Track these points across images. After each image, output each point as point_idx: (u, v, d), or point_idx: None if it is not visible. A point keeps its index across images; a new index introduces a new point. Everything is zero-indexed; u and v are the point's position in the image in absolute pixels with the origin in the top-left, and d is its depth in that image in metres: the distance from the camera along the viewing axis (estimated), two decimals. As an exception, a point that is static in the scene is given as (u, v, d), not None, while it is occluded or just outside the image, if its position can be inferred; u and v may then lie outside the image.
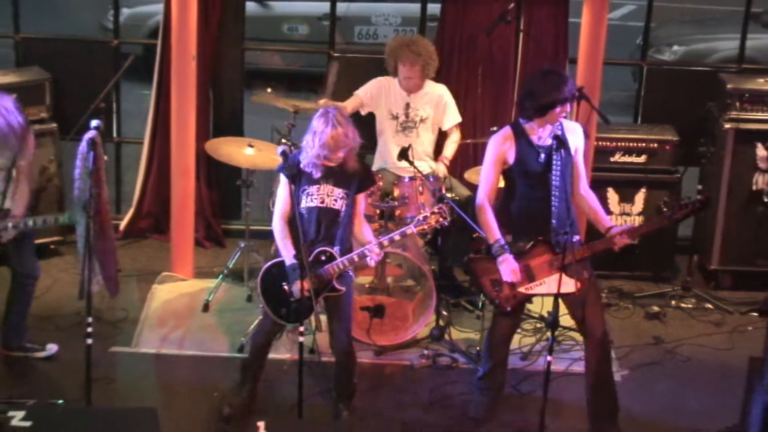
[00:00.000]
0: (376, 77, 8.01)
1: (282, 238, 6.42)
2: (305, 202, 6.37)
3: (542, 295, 6.59)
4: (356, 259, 6.34)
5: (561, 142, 6.34)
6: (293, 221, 6.32)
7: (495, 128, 7.69)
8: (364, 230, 6.51)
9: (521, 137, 6.45)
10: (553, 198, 6.38)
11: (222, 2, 8.38)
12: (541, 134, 6.42)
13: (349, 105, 7.91)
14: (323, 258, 6.32)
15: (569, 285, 6.35)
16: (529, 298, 6.66)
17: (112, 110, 8.86)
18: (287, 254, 6.38)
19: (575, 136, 6.51)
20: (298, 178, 6.38)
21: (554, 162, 6.37)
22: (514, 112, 7.86)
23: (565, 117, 6.45)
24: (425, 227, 6.44)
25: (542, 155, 6.41)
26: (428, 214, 6.37)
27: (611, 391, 6.74)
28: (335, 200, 6.37)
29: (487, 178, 6.52)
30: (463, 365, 7.47)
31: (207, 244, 8.85)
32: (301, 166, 6.35)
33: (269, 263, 6.59)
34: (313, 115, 6.35)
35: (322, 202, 6.36)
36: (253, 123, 8.96)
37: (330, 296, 6.45)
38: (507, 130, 6.51)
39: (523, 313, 7.01)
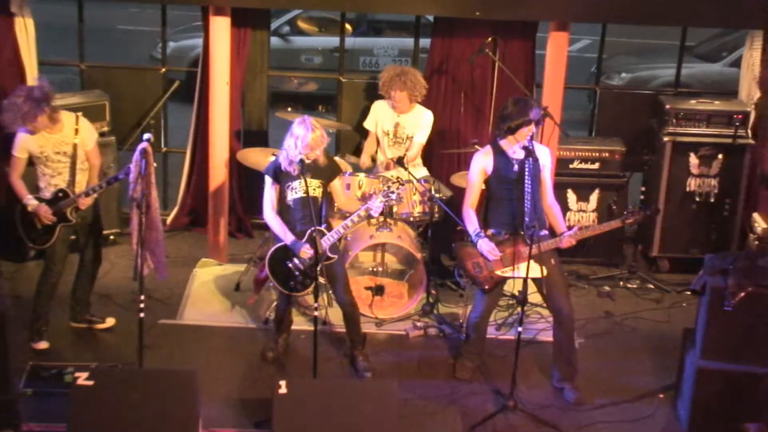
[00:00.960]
0: (374, 100, 8.02)
1: (278, 225, 6.60)
2: (291, 195, 6.56)
3: (515, 278, 6.61)
4: (351, 224, 6.60)
5: (529, 151, 6.38)
6: (281, 211, 6.60)
7: (476, 140, 7.73)
8: (349, 203, 6.89)
9: (498, 153, 6.57)
10: (525, 200, 6.43)
11: (250, 37, 8.36)
12: (515, 149, 6.50)
13: (371, 142, 8.06)
14: (315, 235, 6.44)
15: (536, 271, 6.43)
16: (504, 280, 6.69)
17: (160, 125, 8.87)
18: (287, 237, 6.57)
19: (543, 156, 6.61)
20: (282, 177, 6.55)
21: (526, 171, 6.43)
22: (491, 131, 7.87)
23: (531, 136, 6.49)
24: (385, 203, 6.61)
25: (515, 166, 6.51)
26: (386, 190, 6.60)
27: (572, 358, 6.77)
28: (314, 189, 6.55)
29: (470, 185, 6.67)
30: (449, 335, 7.47)
31: (238, 235, 8.84)
32: (282, 167, 6.48)
33: (272, 250, 6.71)
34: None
35: (305, 193, 6.47)
36: (276, 136, 8.95)
37: (326, 264, 6.61)
38: (487, 148, 6.65)
39: (500, 294, 7.03)
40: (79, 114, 6.96)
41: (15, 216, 6.89)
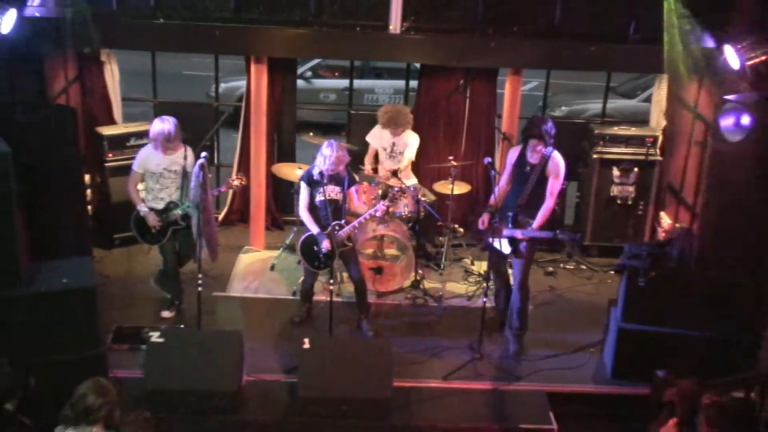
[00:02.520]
0: (375, 125, 8.00)
1: (308, 219, 6.62)
2: (318, 198, 6.56)
3: (494, 248, 6.55)
4: (364, 221, 6.64)
5: (487, 167, 6.38)
6: (311, 209, 6.62)
7: (452, 157, 7.71)
8: (359, 206, 6.90)
9: (522, 151, 6.51)
10: (521, 195, 6.45)
11: (282, 80, 8.34)
12: (530, 154, 6.44)
13: (370, 156, 7.99)
14: (337, 228, 6.48)
15: (507, 249, 6.47)
16: (489, 247, 6.61)
17: (214, 146, 8.83)
18: (314, 228, 6.58)
19: (556, 168, 6.42)
20: (313, 184, 6.57)
21: (532, 175, 6.41)
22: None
23: (539, 148, 6.36)
24: (388, 206, 6.75)
25: (527, 167, 6.46)
26: (386, 202, 6.71)
27: (524, 320, 6.76)
28: (336, 194, 6.58)
29: (504, 170, 6.72)
30: (431, 304, 7.46)
31: (272, 228, 8.79)
32: (314, 176, 6.53)
33: (303, 237, 6.73)
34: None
35: (329, 196, 6.53)
36: (301, 154, 8.93)
37: (343, 250, 6.61)
38: (520, 146, 6.61)
39: (502, 253, 6.68)
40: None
41: (130, 219, 6.79)
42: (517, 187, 6.52)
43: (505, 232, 6.40)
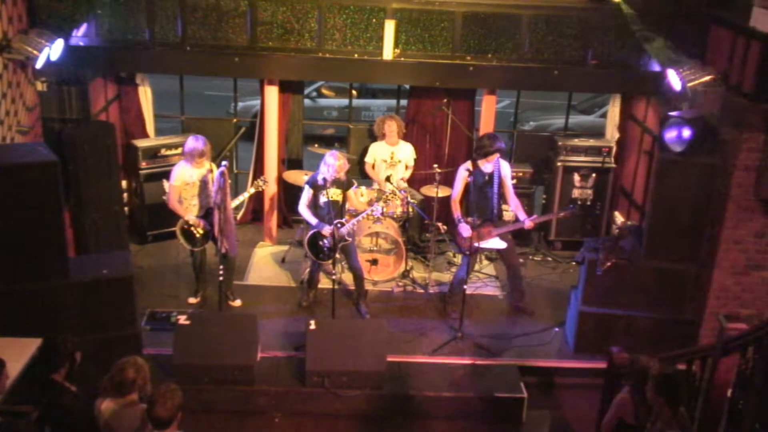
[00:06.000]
0: (371, 140, 7.98)
1: (307, 213, 6.63)
2: (322, 199, 6.57)
3: (487, 249, 6.77)
4: (362, 219, 6.65)
5: (470, 172, 6.37)
6: (315, 209, 6.63)
7: (436, 164, 7.70)
8: (357, 205, 6.86)
9: (476, 166, 6.59)
10: (492, 199, 6.56)
11: (291, 99, 8.32)
12: (485, 166, 6.56)
13: (370, 171, 7.94)
14: (339, 225, 6.47)
15: (501, 244, 6.61)
16: (479, 249, 6.72)
17: (233, 156, 8.81)
18: (313, 220, 6.60)
19: (506, 170, 6.67)
20: (317, 188, 6.57)
21: (494, 180, 6.55)
22: (473, 153, 7.70)
23: (497, 159, 6.56)
24: (384, 206, 6.86)
25: (486, 176, 6.57)
26: (383, 204, 6.84)
27: (521, 290, 7.02)
28: (337, 196, 6.58)
29: (456, 185, 6.72)
30: (419, 291, 7.45)
31: (283, 226, 8.77)
32: (318, 181, 6.53)
33: (309, 233, 6.71)
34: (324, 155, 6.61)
35: (331, 198, 6.51)
36: (308, 163, 8.91)
37: (344, 245, 6.62)
38: (469, 162, 6.67)
39: (476, 261, 6.99)
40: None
41: (177, 230, 6.64)
42: (481, 195, 6.59)
43: (496, 230, 6.55)
